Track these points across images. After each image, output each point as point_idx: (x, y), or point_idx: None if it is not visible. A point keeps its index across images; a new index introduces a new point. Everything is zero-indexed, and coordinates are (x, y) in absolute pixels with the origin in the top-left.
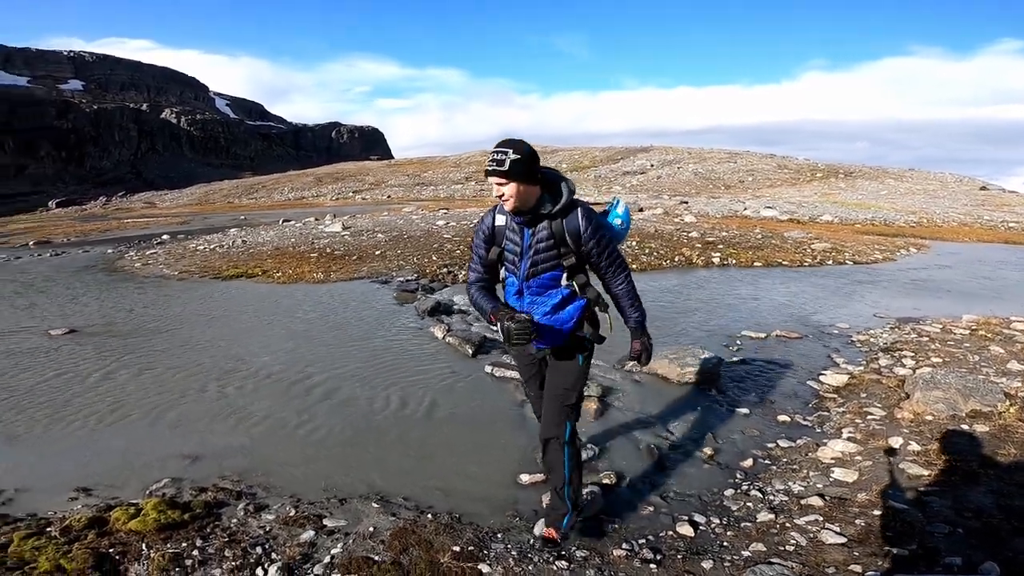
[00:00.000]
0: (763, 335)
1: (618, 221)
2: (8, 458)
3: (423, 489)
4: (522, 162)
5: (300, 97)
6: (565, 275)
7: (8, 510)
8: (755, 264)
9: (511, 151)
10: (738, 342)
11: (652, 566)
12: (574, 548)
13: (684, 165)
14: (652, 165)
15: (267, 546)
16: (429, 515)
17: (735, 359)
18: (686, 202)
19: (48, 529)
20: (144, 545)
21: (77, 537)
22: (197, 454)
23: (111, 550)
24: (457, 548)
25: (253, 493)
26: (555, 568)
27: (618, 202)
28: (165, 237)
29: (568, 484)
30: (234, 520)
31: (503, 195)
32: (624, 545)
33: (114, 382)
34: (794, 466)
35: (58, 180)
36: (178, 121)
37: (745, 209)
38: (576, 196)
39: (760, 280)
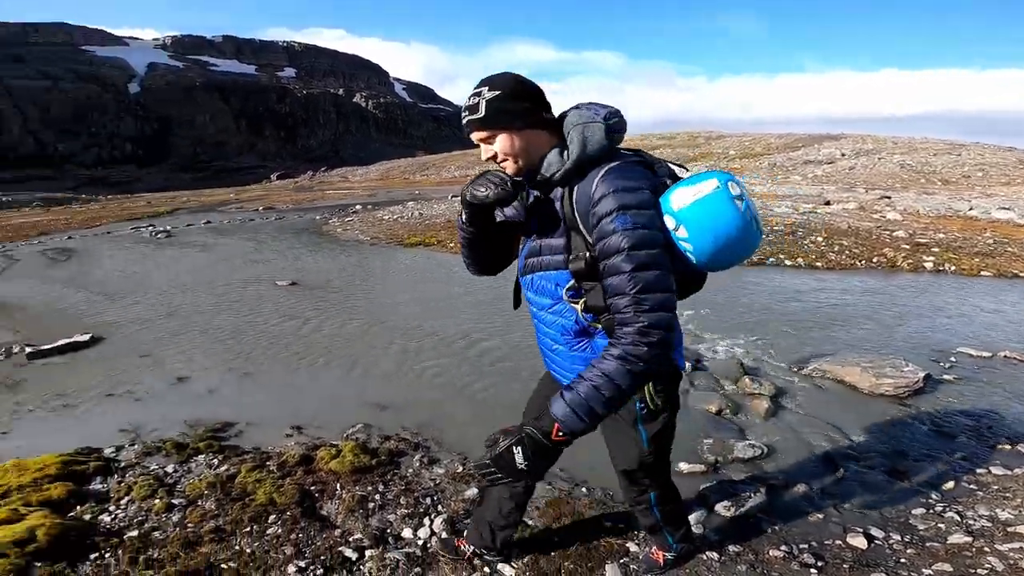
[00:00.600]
0: (987, 354)
1: (685, 229)
2: (243, 394)
3: (579, 463)
4: (505, 98)
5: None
6: (572, 282)
7: (239, 442)
8: (982, 273)
9: (487, 88)
10: (952, 359)
11: (812, 571)
12: (727, 542)
13: (887, 156)
14: (843, 154)
15: (435, 498)
16: (584, 489)
17: (947, 377)
18: (888, 197)
19: (268, 463)
20: (339, 485)
21: (289, 473)
22: (385, 404)
23: (313, 487)
24: (608, 524)
25: (428, 446)
26: (704, 558)
27: (700, 177)
28: (358, 207)
29: (664, 530)
30: (410, 470)
31: (495, 156)
32: (783, 547)
33: (323, 331)
34: (1007, 494)
35: (277, 156)
36: (366, 105)
37: (970, 209)
38: (610, 148)
39: (989, 292)
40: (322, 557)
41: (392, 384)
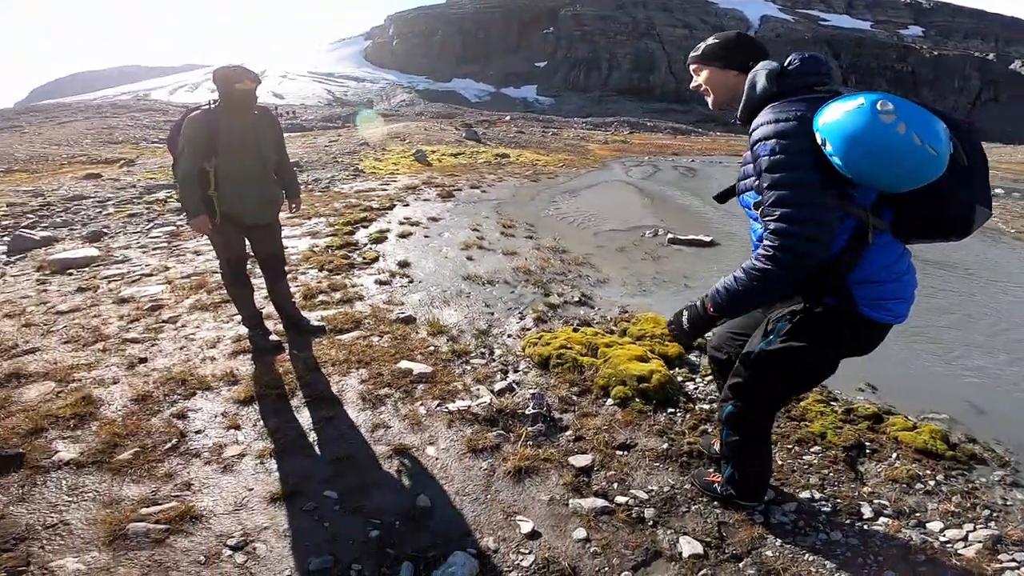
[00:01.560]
0: None
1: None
2: None
3: None
4: (719, 46)
5: None
6: (757, 199)
7: None
8: None
9: (713, 38)
10: None
11: None
12: None
13: None
14: None
15: (995, 512)
16: None
17: None
18: None
19: (833, 403)
20: (895, 455)
21: (852, 420)
22: (983, 407)
23: (868, 443)
24: None
25: (1020, 469)
26: None
27: (850, 96)
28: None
29: (723, 462)
30: (982, 479)
31: (699, 86)
32: None
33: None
34: None
35: None
36: None
37: None
38: (781, 90)
39: None
40: (838, 500)
41: (993, 387)
